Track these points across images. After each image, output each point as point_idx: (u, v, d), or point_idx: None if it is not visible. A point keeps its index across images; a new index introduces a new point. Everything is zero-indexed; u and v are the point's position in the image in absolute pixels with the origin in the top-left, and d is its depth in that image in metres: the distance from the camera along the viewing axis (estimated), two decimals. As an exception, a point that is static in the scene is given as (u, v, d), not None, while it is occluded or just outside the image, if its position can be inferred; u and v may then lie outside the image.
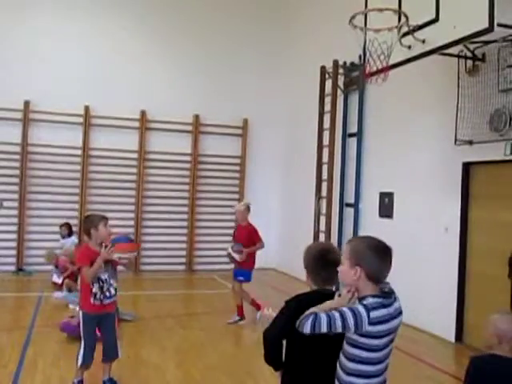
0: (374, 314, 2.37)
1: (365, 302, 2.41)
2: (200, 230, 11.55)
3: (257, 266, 7.41)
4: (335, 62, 9.02)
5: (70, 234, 9.75)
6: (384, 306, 2.40)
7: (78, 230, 10.55)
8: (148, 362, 5.49)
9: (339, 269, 2.54)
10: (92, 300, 4.43)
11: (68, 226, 9.81)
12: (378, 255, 2.44)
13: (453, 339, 6.59)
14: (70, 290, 8.18)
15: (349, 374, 2.47)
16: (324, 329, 2.40)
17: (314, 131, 9.49)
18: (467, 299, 6.60)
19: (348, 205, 9.22)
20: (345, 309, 2.40)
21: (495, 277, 6.05)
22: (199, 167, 11.59)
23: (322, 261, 2.72)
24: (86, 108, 10.73)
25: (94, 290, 4.42)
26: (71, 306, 7.47)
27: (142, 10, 11.10)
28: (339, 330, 2.40)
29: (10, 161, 10.44)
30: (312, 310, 2.48)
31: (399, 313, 2.48)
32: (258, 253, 7.16)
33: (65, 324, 6.22)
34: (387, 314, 2.39)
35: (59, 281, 8.84)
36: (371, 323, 2.36)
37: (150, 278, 10.49)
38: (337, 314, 2.40)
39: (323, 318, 2.41)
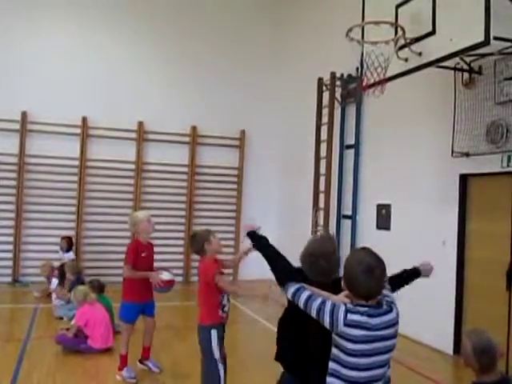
0: (352, 316, 2.40)
1: (348, 304, 2.46)
2: (197, 241, 11.48)
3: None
4: (332, 74, 9.07)
5: (69, 249, 9.73)
6: (368, 315, 2.42)
7: (75, 242, 10.53)
8: (145, 376, 5.45)
9: None
10: (220, 312, 4.32)
11: (69, 240, 9.78)
12: (362, 275, 2.45)
13: (451, 352, 6.56)
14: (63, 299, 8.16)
15: (330, 374, 2.52)
16: (302, 302, 2.54)
17: (311, 143, 9.51)
18: (465, 311, 6.58)
19: (345, 216, 9.21)
20: (329, 300, 2.49)
21: (493, 289, 6.04)
22: (197, 178, 11.59)
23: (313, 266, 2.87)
24: (84, 119, 10.75)
25: (223, 301, 4.33)
26: (65, 319, 7.42)
27: (140, 24, 11.15)
28: (313, 312, 2.48)
29: (6, 171, 10.42)
30: (304, 285, 2.64)
31: (389, 325, 2.48)
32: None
33: (60, 336, 6.18)
34: (366, 322, 2.40)
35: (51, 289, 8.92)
36: (347, 324, 2.39)
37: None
38: (319, 298, 2.50)
39: (306, 292, 2.56)
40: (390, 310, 2.50)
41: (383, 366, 2.50)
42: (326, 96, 9.26)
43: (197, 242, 4.49)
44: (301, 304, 2.54)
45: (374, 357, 2.44)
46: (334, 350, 2.48)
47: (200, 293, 4.40)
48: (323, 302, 2.47)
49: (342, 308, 2.41)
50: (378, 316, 2.44)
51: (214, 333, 4.27)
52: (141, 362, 5.61)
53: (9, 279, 10.34)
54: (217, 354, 4.24)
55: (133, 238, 5.50)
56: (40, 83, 10.44)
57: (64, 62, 10.67)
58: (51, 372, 5.42)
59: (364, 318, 2.39)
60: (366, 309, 2.42)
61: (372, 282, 2.44)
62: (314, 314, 2.48)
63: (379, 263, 2.48)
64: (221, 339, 4.30)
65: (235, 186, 11.85)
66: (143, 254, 5.33)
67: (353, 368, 2.43)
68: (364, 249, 2.58)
